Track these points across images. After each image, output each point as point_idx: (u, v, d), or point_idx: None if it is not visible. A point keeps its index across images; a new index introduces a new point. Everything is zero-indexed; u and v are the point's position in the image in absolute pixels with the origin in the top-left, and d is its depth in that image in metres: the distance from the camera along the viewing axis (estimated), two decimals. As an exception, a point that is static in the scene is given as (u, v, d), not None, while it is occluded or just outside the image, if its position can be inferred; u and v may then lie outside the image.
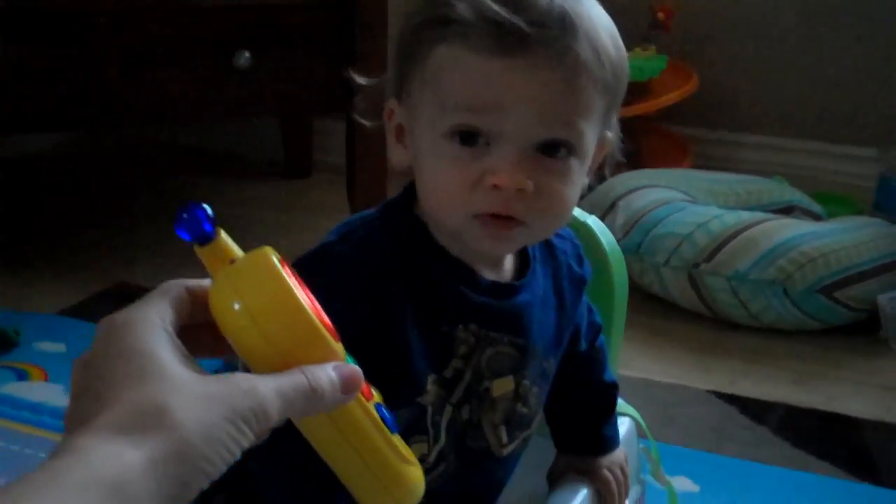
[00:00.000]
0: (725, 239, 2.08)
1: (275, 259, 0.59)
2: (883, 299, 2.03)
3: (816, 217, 2.35)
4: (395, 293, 0.84)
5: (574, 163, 0.83)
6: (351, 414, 0.61)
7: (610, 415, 1.10)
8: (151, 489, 0.49)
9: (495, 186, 0.79)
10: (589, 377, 1.09)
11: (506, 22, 0.77)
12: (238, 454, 0.53)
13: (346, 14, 2.06)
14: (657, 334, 2.08)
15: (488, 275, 0.90)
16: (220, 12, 2.03)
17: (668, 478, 1.25)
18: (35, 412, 1.71)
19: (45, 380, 1.82)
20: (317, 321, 0.59)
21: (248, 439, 0.54)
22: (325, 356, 0.59)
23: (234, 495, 0.88)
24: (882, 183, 2.50)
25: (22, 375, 1.84)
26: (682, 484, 1.55)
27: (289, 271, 0.60)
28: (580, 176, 0.85)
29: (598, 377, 1.09)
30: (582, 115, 0.81)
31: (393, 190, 0.93)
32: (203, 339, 0.62)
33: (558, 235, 1.00)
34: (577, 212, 1.18)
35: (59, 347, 1.93)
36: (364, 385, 0.62)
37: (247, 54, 2.03)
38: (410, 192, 0.89)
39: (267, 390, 0.55)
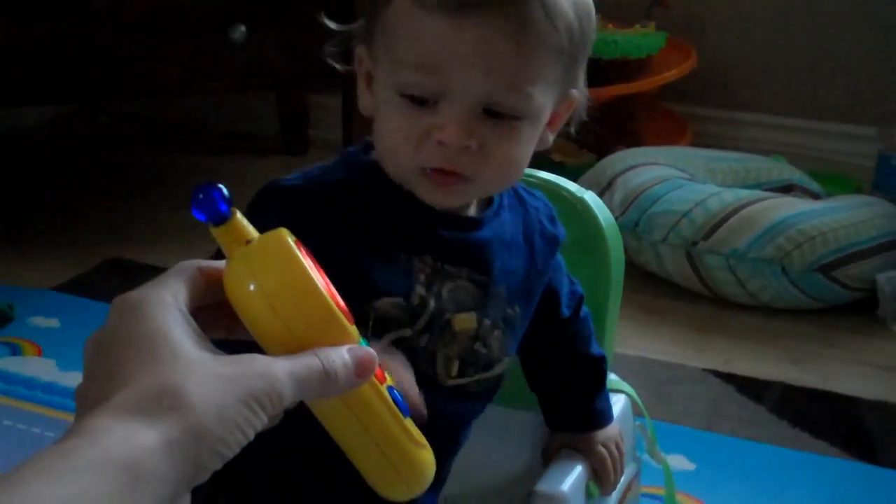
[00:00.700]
0: (724, 217, 2.07)
1: (290, 240, 0.59)
2: (881, 278, 2.02)
3: (815, 196, 2.34)
4: (348, 221, 0.85)
5: (524, 124, 0.84)
6: (364, 397, 0.60)
7: (600, 388, 1.09)
8: (166, 470, 0.49)
9: (440, 143, 0.81)
10: (574, 349, 1.08)
11: None
12: (251, 436, 0.53)
13: (342, -12, 2.04)
14: (654, 312, 2.07)
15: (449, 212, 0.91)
16: (215, -15, 2.02)
17: (663, 455, 1.24)
18: (29, 387, 1.71)
19: (39, 355, 1.82)
20: (332, 303, 0.59)
21: (261, 421, 0.54)
22: (340, 338, 0.59)
23: (235, 496, 0.88)
24: (881, 162, 2.49)
25: (16, 350, 1.83)
26: (677, 462, 1.54)
27: (304, 252, 0.59)
28: (532, 135, 0.86)
29: (584, 349, 1.08)
30: (530, 78, 0.82)
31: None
32: (217, 319, 0.61)
33: (529, 193, 1.00)
34: (574, 187, 1.17)
35: (53, 323, 1.92)
36: (378, 368, 0.61)
37: (242, 28, 2.01)
38: (370, 142, 0.90)
39: (281, 372, 0.55)
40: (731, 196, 2.13)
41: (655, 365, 1.85)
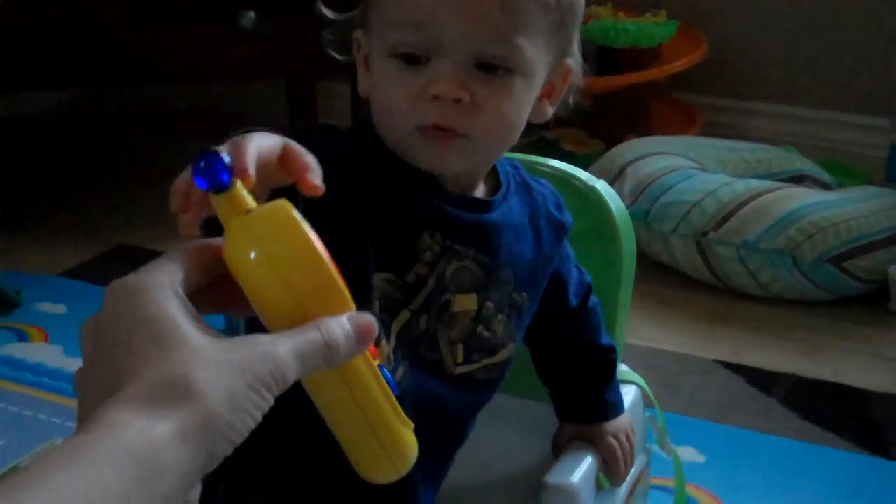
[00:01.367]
0: (735, 207, 2.06)
1: (293, 209, 0.58)
2: (893, 270, 2.00)
3: (827, 186, 2.33)
4: (356, 190, 0.84)
5: (517, 80, 0.85)
6: (359, 369, 0.60)
7: (610, 379, 1.08)
8: (182, 460, 0.50)
9: (434, 98, 0.82)
10: (584, 339, 1.07)
11: None
12: (259, 419, 0.53)
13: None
14: (664, 303, 2.06)
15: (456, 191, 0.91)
16: (224, -29, 2.00)
17: (674, 447, 1.23)
18: (35, 373, 1.70)
19: (46, 341, 1.81)
20: (335, 271, 0.59)
21: (267, 403, 0.54)
22: (341, 308, 0.59)
23: (235, 484, 0.87)
24: (894, 152, 2.48)
25: (22, 336, 1.83)
26: (687, 454, 1.54)
27: (305, 222, 0.59)
28: (526, 94, 0.87)
29: (593, 340, 1.07)
30: (517, 29, 0.83)
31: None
32: (213, 296, 0.61)
33: (536, 181, 1.00)
34: (585, 175, 1.16)
35: (60, 309, 1.92)
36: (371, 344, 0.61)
37: (252, 14, 2.00)
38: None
39: (284, 351, 0.54)
40: (743, 186, 2.11)
41: (665, 356, 1.84)
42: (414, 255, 0.88)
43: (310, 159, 0.63)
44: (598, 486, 1.06)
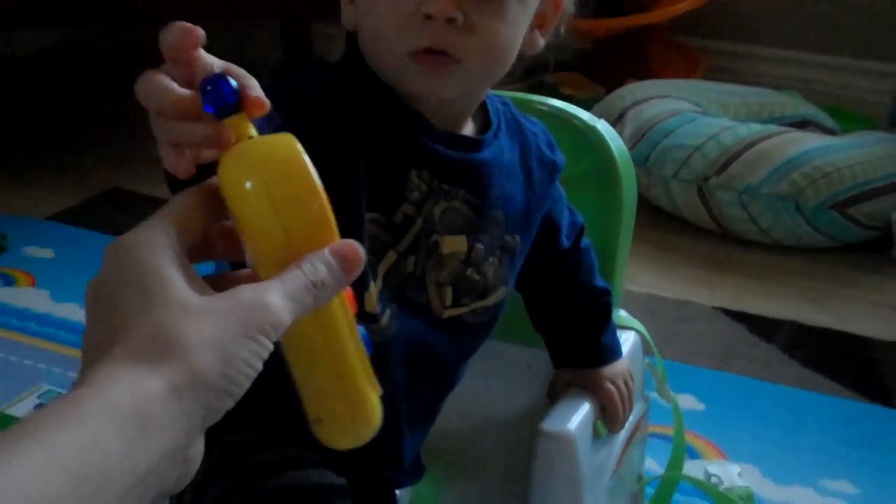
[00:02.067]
0: (737, 152, 2.03)
1: (296, 140, 0.58)
2: (897, 216, 1.98)
3: (831, 132, 2.29)
4: (342, 126, 0.82)
5: (511, 2, 0.83)
6: (335, 319, 0.59)
7: (606, 322, 1.06)
8: (175, 416, 0.50)
9: (427, 17, 0.80)
10: (577, 281, 1.05)
11: None
12: (259, 367, 0.53)
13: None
14: (664, 249, 2.03)
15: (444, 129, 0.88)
16: None
17: (673, 394, 1.21)
18: (21, 318, 1.67)
19: (33, 286, 1.78)
20: (330, 208, 0.58)
21: (267, 350, 0.54)
22: (330, 243, 0.58)
23: (233, 479, 0.85)
24: (899, 98, 2.44)
25: (9, 281, 1.80)
26: (686, 402, 1.51)
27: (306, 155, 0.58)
28: (518, 18, 0.85)
29: (587, 281, 1.05)
30: None
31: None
32: (213, 244, 0.61)
33: (527, 119, 0.98)
34: (586, 115, 1.14)
35: (48, 253, 1.89)
36: (349, 293, 0.60)
37: (244, -49, 1.95)
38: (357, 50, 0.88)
39: (275, 298, 0.54)
40: (746, 130, 2.08)
41: (665, 303, 1.82)
42: (401, 194, 0.86)
43: (251, 80, 0.60)
44: (596, 434, 1.03)
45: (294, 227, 0.56)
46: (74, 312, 1.67)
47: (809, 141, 2.07)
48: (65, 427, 0.47)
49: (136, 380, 0.49)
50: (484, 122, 0.92)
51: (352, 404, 0.60)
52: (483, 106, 0.92)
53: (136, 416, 0.48)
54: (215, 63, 0.59)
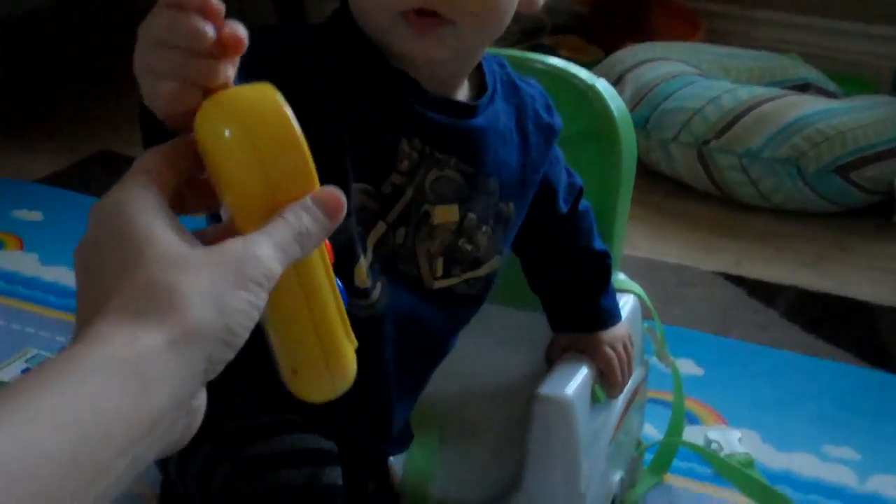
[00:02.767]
0: (738, 114, 2.00)
1: (276, 90, 0.57)
2: (899, 181, 1.95)
3: (832, 95, 2.26)
4: (322, 93, 0.80)
5: None
6: (315, 268, 0.59)
7: (605, 285, 1.04)
8: (174, 369, 0.50)
9: None
10: (576, 244, 1.03)
11: None
12: (256, 317, 0.53)
13: None
14: (663, 213, 2.01)
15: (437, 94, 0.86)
16: None
17: (672, 359, 1.19)
18: (9, 282, 1.65)
19: (21, 249, 1.76)
20: (310, 156, 0.57)
21: (262, 301, 0.54)
22: (309, 191, 0.57)
23: (219, 444, 0.84)
24: (902, 62, 2.42)
25: (-3, 244, 1.77)
26: (686, 367, 1.49)
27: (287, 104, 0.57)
28: None
29: (585, 244, 1.04)
30: None
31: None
32: (185, 199, 0.60)
33: (524, 80, 0.95)
34: (585, 74, 1.12)
35: (36, 216, 1.86)
36: (327, 245, 0.59)
37: None
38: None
39: (265, 249, 0.54)
40: (747, 93, 2.05)
41: (664, 267, 1.80)
42: (390, 163, 0.83)
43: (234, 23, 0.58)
44: (594, 399, 1.02)
45: (274, 177, 0.55)
46: (63, 276, 1.65)
47: (811, 104, 2.04)
48: (62, 383, 0.47)
49: (133, 333, 0.49)
50: (479, 86, 0.90)
51: (329, 354, 0.59)
52: (479, 68, 0.89)
53: (135, 369, 0.48)
54: None
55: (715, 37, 2.59)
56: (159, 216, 0.54)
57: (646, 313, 1.17)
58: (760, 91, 2.08)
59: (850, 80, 2.45)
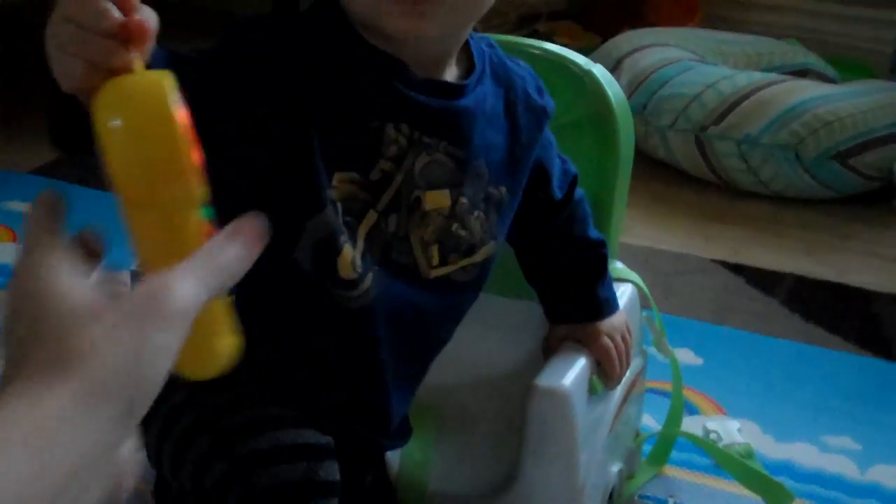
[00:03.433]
0: (736, 100, 1.99)
1: (168, 80, 0.56)
2: (899, 167, 1.94)
3: (831, 81, 2.25)
4: (310, 81, 0.78)
5: None
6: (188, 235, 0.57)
7: (601, 274, 1.03)
8: (82, 427, 0.48)
9: None
10: (571, 233, 1.02)
11: None
12: (174, 353, 0.52)
13: None
14: (661, 201, 2.00)
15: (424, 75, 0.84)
16: None
17: (671, 349, 1.18)
18: (1, 274, 1.63)
19: (13, 241, 1.74)
20: (189, 150, 0.56)
21: (178, 336, 0.52)
22: (190, 189, 0.56)
23: (216, 440, 0.83)
24: (901, 46, 2.41)
25: (-11, 236, 1.76)
26: (684, 356, 1.48)
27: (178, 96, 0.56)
28: None
29: (580, 233, 1.02)
30: None
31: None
32: None
33: (514, 62, 0.93)
34: (582, 59, 1.11)
35: (29, 208, 1.84)
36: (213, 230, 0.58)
37: None
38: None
39: (181, 283, 0.53)
40: (745, 79, 2.04)
41: (662, 255, 1.79)
42: (377, 149, 0.82)
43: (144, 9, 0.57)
44: (592, 390, 1.01)
45: (148, 169, 0.55)
46: (56, 268, 1.63)
47: (810, 89, 2.03)
48: None
49: (38, 395, 0.48)
50: (468, 67, 0.88)
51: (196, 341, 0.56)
52: (467, 49, 0.88)
53: (36, 436, 0.46)
54: None
55: (713, 22, 2.58)
56: (63, 273, 0.53)
57: (644, 302, 1.16)
58: (759, 76, 2.07)
59: (849, 65, 2.44)
